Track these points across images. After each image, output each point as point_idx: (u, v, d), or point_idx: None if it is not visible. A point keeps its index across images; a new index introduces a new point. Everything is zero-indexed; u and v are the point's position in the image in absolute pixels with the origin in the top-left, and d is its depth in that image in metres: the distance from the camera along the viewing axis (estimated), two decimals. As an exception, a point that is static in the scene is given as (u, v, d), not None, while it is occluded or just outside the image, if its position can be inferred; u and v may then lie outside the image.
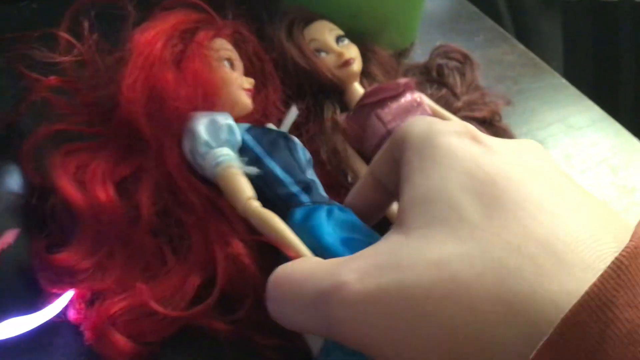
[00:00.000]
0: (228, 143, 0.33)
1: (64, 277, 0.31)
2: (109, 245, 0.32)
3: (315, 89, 0.42)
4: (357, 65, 0.42)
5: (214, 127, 0.33)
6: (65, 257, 0.31)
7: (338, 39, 0.43)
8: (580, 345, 0.17)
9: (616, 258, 0.18)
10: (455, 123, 0.26)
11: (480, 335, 0.19)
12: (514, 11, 0.88)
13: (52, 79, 0.37)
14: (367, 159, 0.38)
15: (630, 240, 0.19)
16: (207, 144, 0.32)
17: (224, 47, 0.38)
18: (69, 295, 0.32)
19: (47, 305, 0.32)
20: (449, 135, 0.25)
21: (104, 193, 0.32)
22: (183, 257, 0.32)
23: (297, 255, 0.28)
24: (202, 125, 0.33)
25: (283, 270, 0.25)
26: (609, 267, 0.18)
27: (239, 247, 0.31)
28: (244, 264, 0.30)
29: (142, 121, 0.33)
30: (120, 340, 0.29)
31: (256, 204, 0.31)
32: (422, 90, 0.45)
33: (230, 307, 0.31)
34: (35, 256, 0.31)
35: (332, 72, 0.41)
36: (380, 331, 0.21)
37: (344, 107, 0.42)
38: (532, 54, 0.58)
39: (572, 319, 0.17)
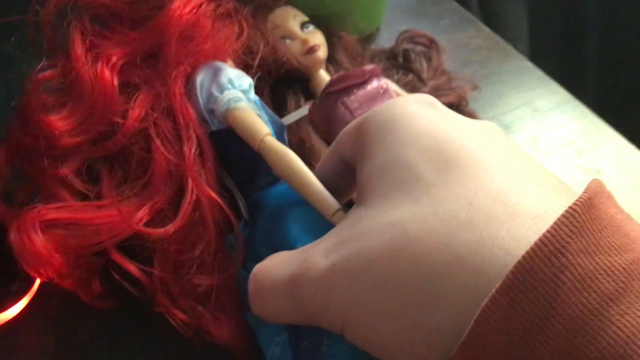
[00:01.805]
0: (246, 94, 0.33)
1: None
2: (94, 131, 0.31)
3: (280, 77, 0.41)
4: (322, 52, 0.42)
5: (239, 75, 0.33)
6: (55, 120, 0.30)
7: (303, 25, 0.42)
8: (534, 290, 0.17)
9: (569, 207, 0.18)
10: (414, 94, 0.26)
11: (428, 288, 0.19)
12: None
13: None
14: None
15: (584, 192, 0.19)
16: (231, 82, 0.32)
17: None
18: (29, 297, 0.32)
19: (7, 307, 0.31)
20: (407, 103, 0.25)
21: (109, 75, 0.31)
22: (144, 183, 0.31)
23: (311, 196, 0.27)
24: (230, 67, 0.33)
25: (260, 266, 0.25)
26: (563, 214, 0.18)
27: (210, 195, 0.30)
28: (206, 212, 0.30)
29: (173, 38, 0.32)
30: (41, 244, 0.28)
31: (275, 140, 0.31)
32: (388, 76, 0.45)
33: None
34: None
35: (298, 59, 0.41)
36: (344, 301, 0.21)
37: (310, 95, 0.42)
38: (498, 37, 0.58)
39: (526, 264, 0.17)
